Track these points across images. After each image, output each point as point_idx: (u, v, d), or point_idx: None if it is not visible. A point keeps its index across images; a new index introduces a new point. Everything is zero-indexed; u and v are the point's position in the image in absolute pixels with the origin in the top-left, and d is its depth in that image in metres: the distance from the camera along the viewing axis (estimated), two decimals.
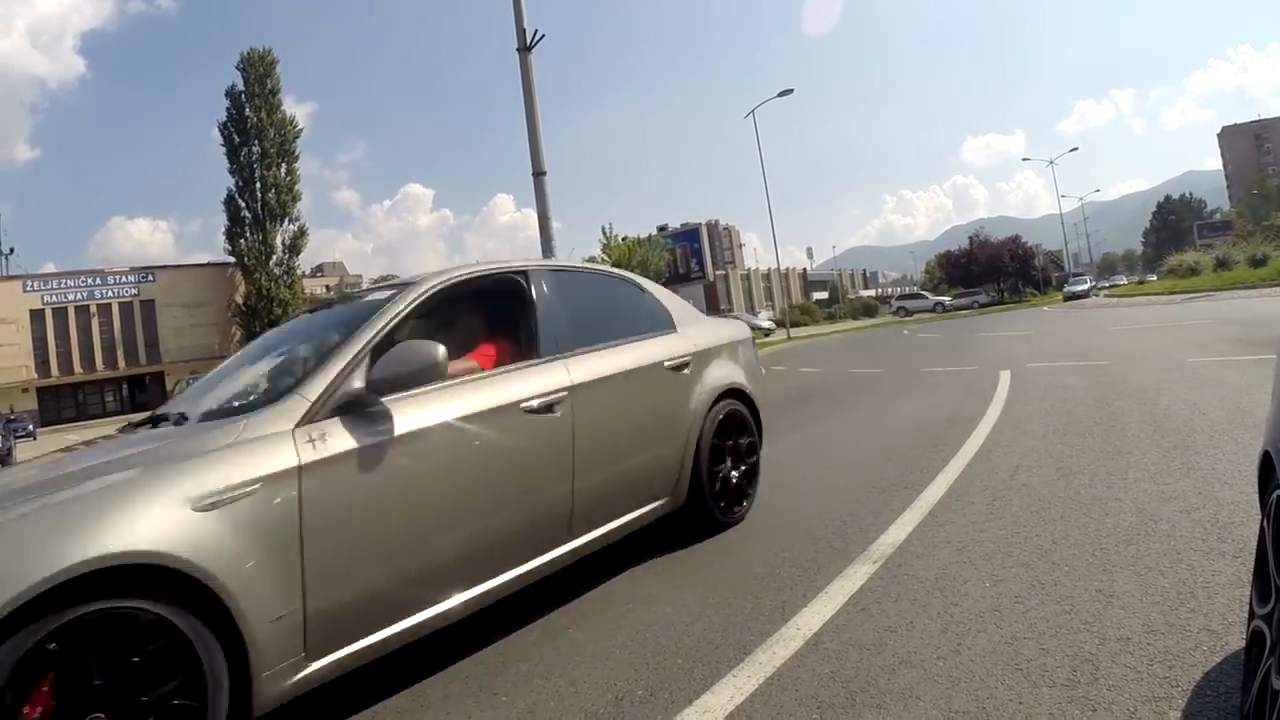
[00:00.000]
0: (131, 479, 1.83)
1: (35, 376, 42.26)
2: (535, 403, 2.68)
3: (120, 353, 45.08)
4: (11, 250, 54.05)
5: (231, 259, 46.60)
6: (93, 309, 44.59)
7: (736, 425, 3.65)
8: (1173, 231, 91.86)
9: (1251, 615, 1.48)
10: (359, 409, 2.21)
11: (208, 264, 50.72)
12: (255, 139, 45.65)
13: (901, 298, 51.48)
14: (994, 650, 2.07)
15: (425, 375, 2.28)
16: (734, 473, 3.60)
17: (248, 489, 1.91)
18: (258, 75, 45.98)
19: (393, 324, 2.47)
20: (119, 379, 45.47)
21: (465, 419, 2.45)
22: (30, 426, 30.69)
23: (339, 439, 2.12)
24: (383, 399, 2.25)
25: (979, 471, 4.09)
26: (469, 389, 2.53)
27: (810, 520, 3.63)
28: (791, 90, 29.74)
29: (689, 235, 39.42)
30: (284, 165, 46.46)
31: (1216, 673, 1.80)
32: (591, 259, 33.67)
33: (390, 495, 2.21)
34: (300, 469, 2.00)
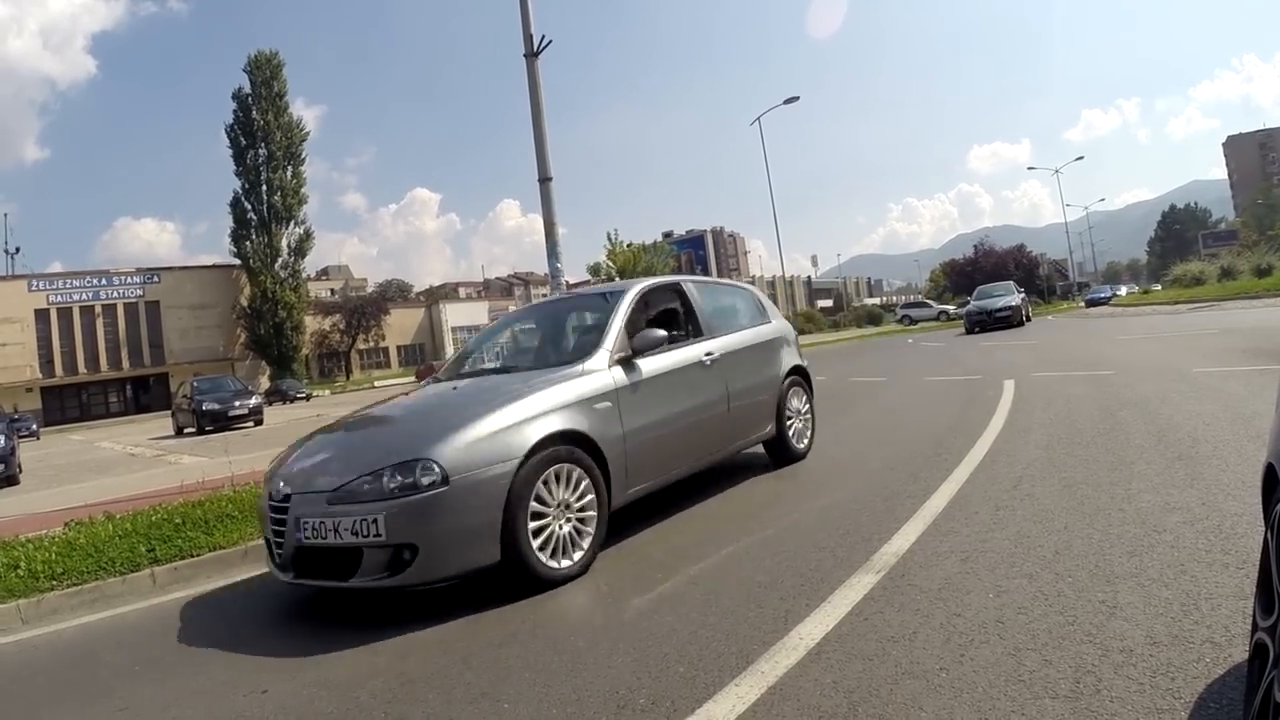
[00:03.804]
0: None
1: (39, 376, 42.40)
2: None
3: (124, 353, 45.22)
4: (18, 249, 54.01)
5: (237, 261, 46.76)
6: (98, 309, 44.76)
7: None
8: (1178, 241, 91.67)
9: (1255, 628, 1.47)
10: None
11: (213, 266, 50.95)
12: (262, 142, 45.85)
13: (906, 306, 51.43)
14: (997, 661, 2.07)
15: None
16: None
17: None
18: (264, 78, 46.22)
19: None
20: (123, 380, 45.61)
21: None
22: (34, 426, 30.67)
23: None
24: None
25: (983, 481, 4.09)
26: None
27: (813, 528, 3.64)
28: (798, 98, 29.76)
29: (694, 242, 39.53)
30: (290, 168, 46.66)
31: (1219, 685, 1.80)
32: (596, 265, 33.79)
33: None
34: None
